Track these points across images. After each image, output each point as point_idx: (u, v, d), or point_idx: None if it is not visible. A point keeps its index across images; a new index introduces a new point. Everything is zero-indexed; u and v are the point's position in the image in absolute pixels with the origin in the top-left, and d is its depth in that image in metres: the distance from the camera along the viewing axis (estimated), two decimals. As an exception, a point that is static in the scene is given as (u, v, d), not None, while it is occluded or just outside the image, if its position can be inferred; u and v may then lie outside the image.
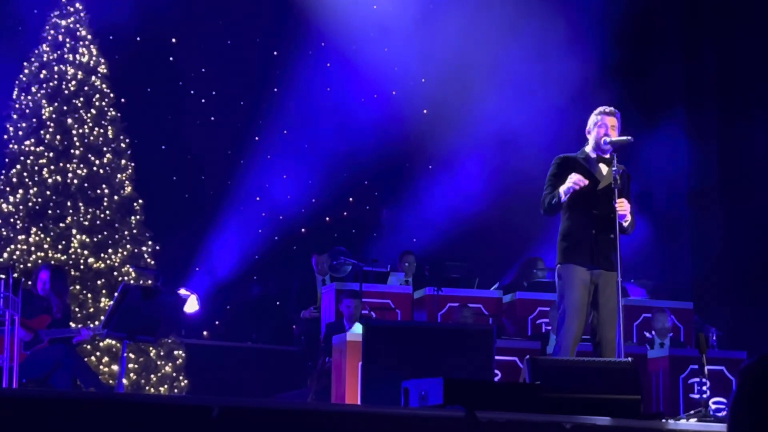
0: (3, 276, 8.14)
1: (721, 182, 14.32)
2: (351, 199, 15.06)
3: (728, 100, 14.42)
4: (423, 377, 6.02)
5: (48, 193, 12.03)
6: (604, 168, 7.54)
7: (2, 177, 12.16)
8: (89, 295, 11.70)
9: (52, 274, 9.64)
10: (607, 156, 7.57)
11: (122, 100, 12.97)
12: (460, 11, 14.37)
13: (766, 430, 2.01)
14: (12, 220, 11.90)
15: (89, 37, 12.73)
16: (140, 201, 12.49)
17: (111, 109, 12.65)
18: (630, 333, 11.54)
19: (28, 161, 12.13)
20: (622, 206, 7.35)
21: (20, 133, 12.29)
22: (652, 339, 11.16)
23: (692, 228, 14.63)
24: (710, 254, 14.13)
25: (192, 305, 9.80)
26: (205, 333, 13.79)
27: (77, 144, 12.26)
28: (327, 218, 14.99)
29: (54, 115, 12.30)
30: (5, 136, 12.34)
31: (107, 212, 12.15)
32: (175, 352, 12.14)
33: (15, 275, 8.72)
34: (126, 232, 12.20)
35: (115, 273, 11.92)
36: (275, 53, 14.93)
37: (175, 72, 14.36)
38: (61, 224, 11.94)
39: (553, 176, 7.53)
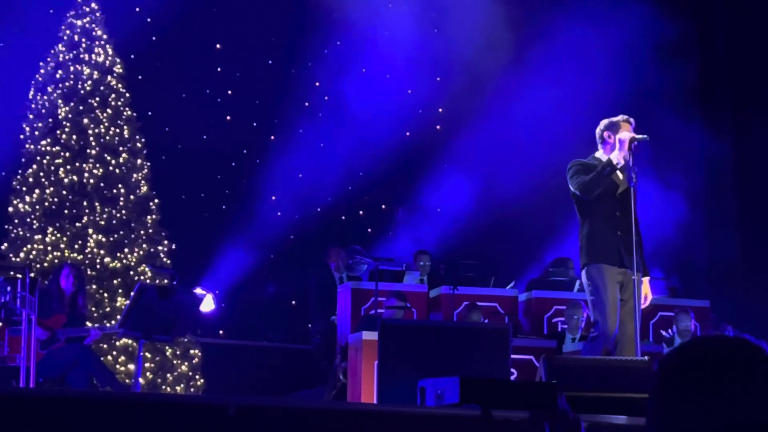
0: (20, 275, 8.14)
1: (737, 176, 14.26)
2: (366, 198, 15.04)
3: (743, 95, 14.36)
4: (439, 376, 6.01)
5: (64, 192, 12.06)
6: (618, 173, 7.75)
7: (19, 177, 12.20)
8: (105, 295, 11.73)
9: (77, 270, 9.65)
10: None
11: (138, 99, 12.99)
12: (476, 8, 14.33)
13: (682, 422, 1.96)
14: (28, 219, 11.94)
15: (105, 36, 12.76)
16: (156, 200, 12.51)
17: (127, 108, 12.68)
18: (646, 331, 11.49)
19: (45, 161, 12.16)
20: None
21: (36, 133, 12.32)
22: (670, 338, 11.11)
23: (708, 224, 14.57)
24: (727, 251, 14.07)
25: (208, 304, 9.80)
26: (221, 332, 13.80)
27: (93, 144, 12.29)
28: (342, 217, 14.99)
29: (70, 115, 12.33)
30: (21, 136, 12.38)
31: (123, 212, 12.18)
32: (191, 351, 12.15)
33: (32, 275, 8.73)
34: (142, 232, 12.22)
35: (132, 272, 11.95)
36: (291, 52, 14.92)
37: (191, 71, 14.37)
38: (77, 224, 11.97)
39: (576, 173, 7.70)
